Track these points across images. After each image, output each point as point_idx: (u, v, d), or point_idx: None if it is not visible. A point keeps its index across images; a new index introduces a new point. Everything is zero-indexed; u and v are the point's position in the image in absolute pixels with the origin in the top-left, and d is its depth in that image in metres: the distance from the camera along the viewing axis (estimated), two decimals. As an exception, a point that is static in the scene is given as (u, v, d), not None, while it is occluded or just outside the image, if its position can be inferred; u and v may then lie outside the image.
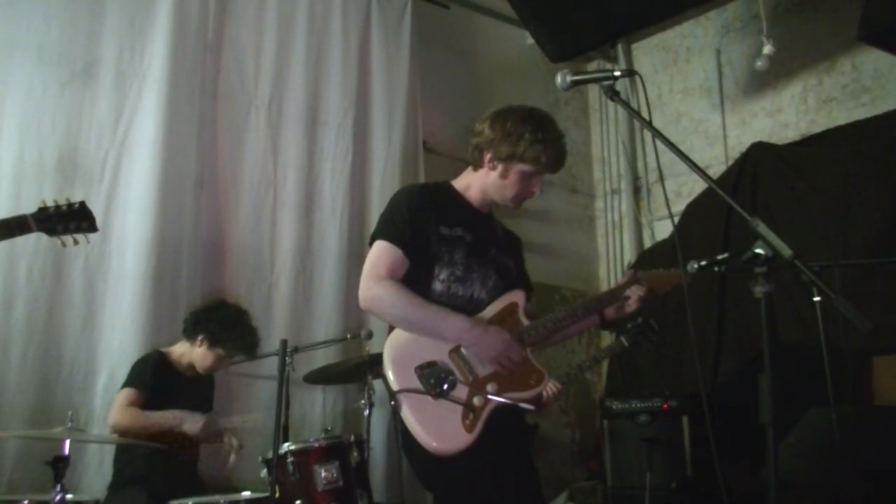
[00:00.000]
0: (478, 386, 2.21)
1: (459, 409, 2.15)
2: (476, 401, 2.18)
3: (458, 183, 2.50)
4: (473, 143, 2.43)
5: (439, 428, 2.14)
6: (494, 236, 2.51)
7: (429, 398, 2.15)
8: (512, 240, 2.61)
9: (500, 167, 2.38)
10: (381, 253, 2.31)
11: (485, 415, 2.17)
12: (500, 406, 2.21)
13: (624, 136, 6.17)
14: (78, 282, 3.67)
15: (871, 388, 4.29)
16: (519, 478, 2.28)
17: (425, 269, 2.32)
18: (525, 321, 2.37)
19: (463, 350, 2.25)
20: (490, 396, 2.20)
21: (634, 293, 2.51)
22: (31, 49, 3.71)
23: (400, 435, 2.20)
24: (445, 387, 2.17)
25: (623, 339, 3.65)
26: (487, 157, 2.39)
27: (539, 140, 2.32)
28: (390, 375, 2.19)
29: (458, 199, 2.46)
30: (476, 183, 2.46)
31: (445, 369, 2.21)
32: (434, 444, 2.13)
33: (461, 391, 2.19)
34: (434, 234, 2.32)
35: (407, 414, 2.15)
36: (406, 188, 2.52)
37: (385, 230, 2.34)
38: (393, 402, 2.18)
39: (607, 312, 2.55)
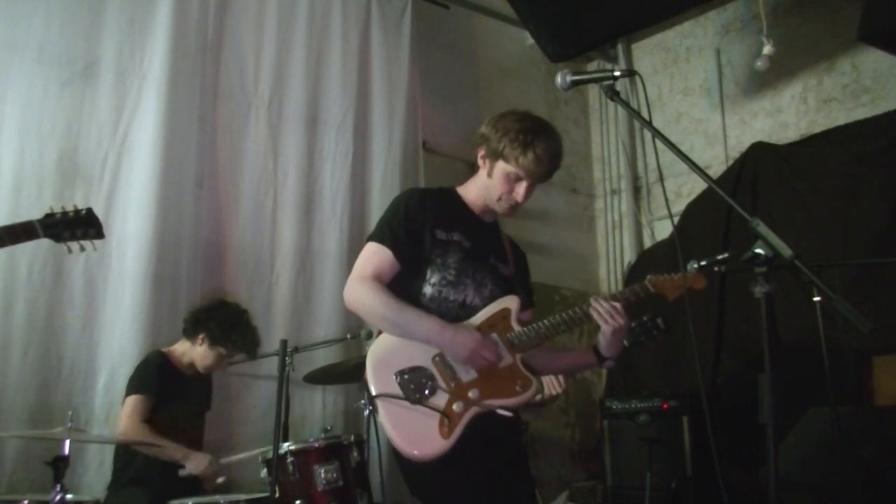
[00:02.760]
0: (460, 392, 2.20)
1: (437, 415, 2.15)
2: (456, 407, 2.17)
3: (463, 189, 2.49)
4: (474, 142, 2.43)
5: (414, 433, 2.13)
6: (497, 245, 2.49)
7: (406, 403, 2.15)
8: (518, 253, 2.58)
9: (487, 164, 2.37)
10: (370, 254, 2.32)
11: (464, 421, 2.15)
12: (482, 412, 2.19)
13: (624, 136, 6.17)
14: (78, 282, 3.67)
15: (871, 388, 4.29)
16: (507, 484, 2.26)
17: (418, 272, 2.32)
18: (517, 327, 2.35)
19: (447, 355, 2.24)
20: (472, 403, 2.17)
21: (598, 312, 2.33)
22: (31, 49, 3.71)
23: (387, 441, 2.21)
24: (426, 392, 2.16)
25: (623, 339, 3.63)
26: (481, 153, 2.39)
27: (521, 142, 2.27)
28: (370, 380, 2.20)
29: (460, 204, 2.45)
30: (474, 186, 2.45)
31: (426, 374, 2.20)
32: (408, 449, 2.12)
33: (441, 397, 2.18)
34: (429, 238, 2.31)
35: (383, 419, 2.15)
36: (408, 191, 2.51)
37: (379, 232, 2.35)
38: (371, 407, 2.18)
39: (601, 349, 2.43)
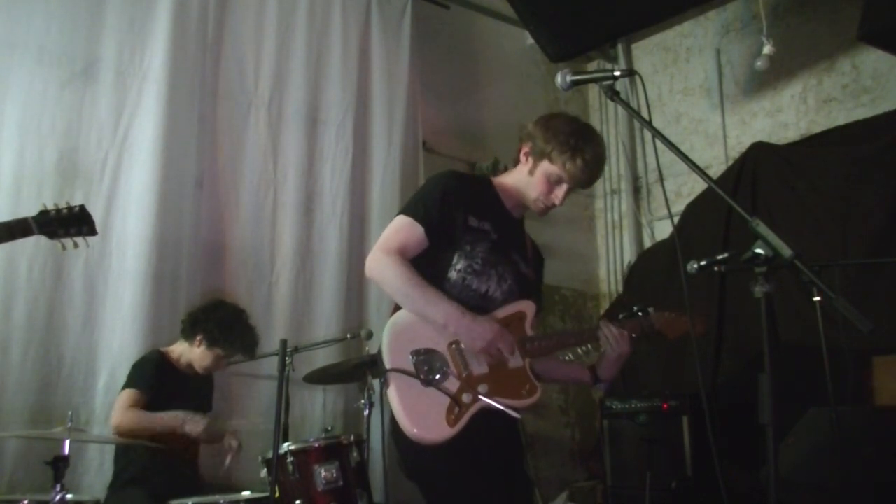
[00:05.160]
0: (469, 383, 2.20)
1: (446, 400, 2.14)
2: (465, 397, 2.17)
3: (498, 180, 2.48)
4: (519, 137, 2.43)
5: (422, 415, 2.13)
6: (521, 242, 2.49)
7: (418, 384, 2.15)
8: (537, 255, 2.59)
9: (530, 162, 2.37)
10: (399, 227, 2.30)
11: (470, 412, 2.16)
12: (486, 408, 2.20)
13: (624, 136, 6.17)
14: (78, 282, 3.67)
15: (871, 388, 4.29)
16: (506, 481, 2.26)
17: (444, 255, 2.31)
18: (530, 332, 2.36)
19: (462, 345, 2.24)
20: (480, 397, 2.19)
21: (605, 335, 2.38)
22: (31, 49, 3.71)
23: (390, 429, 2.21)
24: (438, 377, 2.16)
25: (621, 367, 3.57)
26: (524, 149, 2.38)
27: (570, 146, 2.28)
28: (385, 354, 2.19)
29: (494, 195, 2.44)
30: (511, 180, 2.44)
31: (441, 359, 2.20)
32: (414, 430, 2.12)
33: (452, 384, 2.18)
34: (461, 223, 2.31)
35: (393, 395, 2.15)
36: (446, 172, 2.48)
37: (412, 207, 2.33)
38: (382, 380, 2.18)
39: (599, 370, 2.46)
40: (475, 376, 2.22)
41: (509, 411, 2.21)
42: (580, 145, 2.29)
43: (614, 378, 2.48)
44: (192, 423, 3.25)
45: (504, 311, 2.35)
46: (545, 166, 2.33)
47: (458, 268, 2.30)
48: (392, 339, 2.22)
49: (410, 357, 2.18)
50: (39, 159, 3.65)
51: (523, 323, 2.37)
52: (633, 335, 2.43)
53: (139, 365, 3.42)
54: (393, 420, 2.18)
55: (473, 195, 2.37)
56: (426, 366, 2.17)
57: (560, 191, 2.35)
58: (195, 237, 4.04)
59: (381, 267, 2.26)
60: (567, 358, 3.53)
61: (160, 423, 3.23)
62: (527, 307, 2.40)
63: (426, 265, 2.29)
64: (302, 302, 4.32)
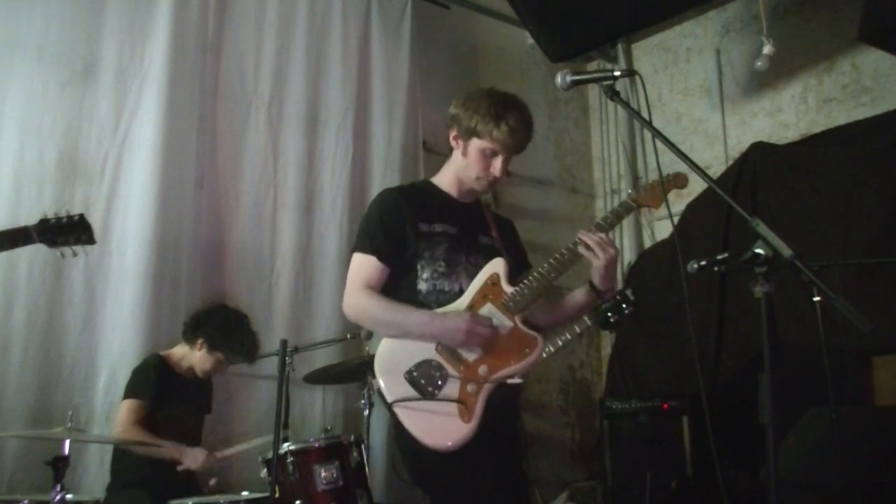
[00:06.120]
0: (470, 373, 2.22)
1: (454, 403, 2.16)
2: (470, 388, 2.19)
3: (437, 178, 2.52)
4: (446, 125, 2.45)
5: (438, 427, 2.15)
6: (483, 223, 2.50)
7: (422, 401, 2.17)
8: (501, 222, 2.59)
9: (461, 144, 2.39)
10: (357, 265, 2.36)
11: (481, 400, 2.18)
12: (496, 389, 2.21)
13: (624, 136, 6.16)
14: (78, 282, 3.67)
15: (871, 388, 4.29)
16: (503, 483, 2.27)
17: (408, 270, 2.34)
18: (509, 289, 2.32)
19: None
20: (483, 382, 2.20)
21: (589, 246, 2.30)
22: (31, 49, 3.70)
23: (393, 436, 2.23)
24: (438, 384, 2.19)
25: (587, 318, 3.53)
26: (452, 134, 2.41)
27: (493, 115, 2.30)
28: (382, 386, 2.22)
29: (437, 193, 2.47)
30: (450, 170, 2.47)
31: (434, 365, 2.22)
32: (440, 443, 2.14)
33: (454, 384, 2.20)
34: (412, 233, 2.34)
35: (406, 422, 2.17)
36: (381, 193, 2.54)
37: (359, 241, 2.39)
38: (390, 413, 2.21)
39: (597, 283, 2.38)
40: (472, 363, 2.23)
41: (513, 380, 2.24)
42: (501, 112, 2.30)
43: (615, 287, 2.42)
44: (191, 458, 3.26)
45: (475, 285, 2.33)
46: (475, 143, 2.35)
47: (424, 277, 2.33)
48: (383, 369, 2.24)
49: (405, 378, 2.20)
50: (39, 159, 3.65)
51: (499, 285, 2.34)
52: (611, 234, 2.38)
53: (140, 371, 3.42)
54: (396, 427, 2.20)
55: (415, 203, 2.41)
56: (423, 379, 2.19)
57: (497, 162, 2.36)
58: (195, 237, 4.03)
59: (354, 306, 2.33)
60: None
61: (159, 451, 3.25)
62: (496, 266, 2.36)
63: (396, 285, 2.34)
64: (302, 302, 4.31)
